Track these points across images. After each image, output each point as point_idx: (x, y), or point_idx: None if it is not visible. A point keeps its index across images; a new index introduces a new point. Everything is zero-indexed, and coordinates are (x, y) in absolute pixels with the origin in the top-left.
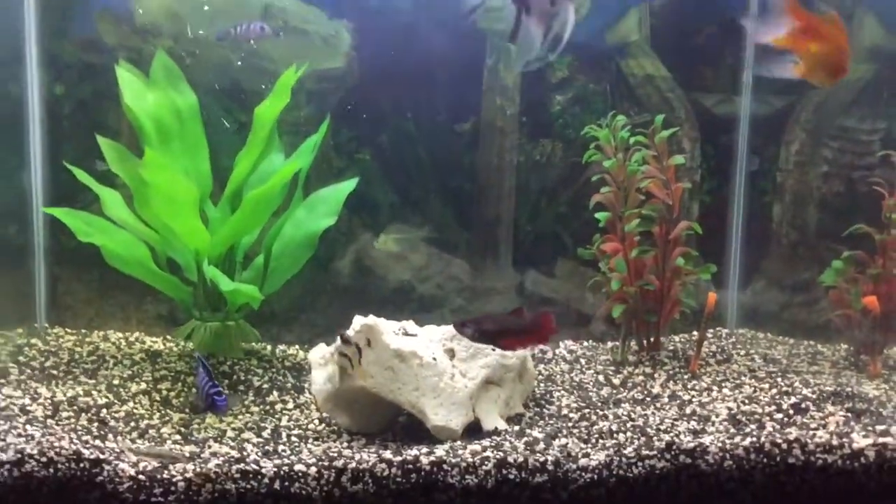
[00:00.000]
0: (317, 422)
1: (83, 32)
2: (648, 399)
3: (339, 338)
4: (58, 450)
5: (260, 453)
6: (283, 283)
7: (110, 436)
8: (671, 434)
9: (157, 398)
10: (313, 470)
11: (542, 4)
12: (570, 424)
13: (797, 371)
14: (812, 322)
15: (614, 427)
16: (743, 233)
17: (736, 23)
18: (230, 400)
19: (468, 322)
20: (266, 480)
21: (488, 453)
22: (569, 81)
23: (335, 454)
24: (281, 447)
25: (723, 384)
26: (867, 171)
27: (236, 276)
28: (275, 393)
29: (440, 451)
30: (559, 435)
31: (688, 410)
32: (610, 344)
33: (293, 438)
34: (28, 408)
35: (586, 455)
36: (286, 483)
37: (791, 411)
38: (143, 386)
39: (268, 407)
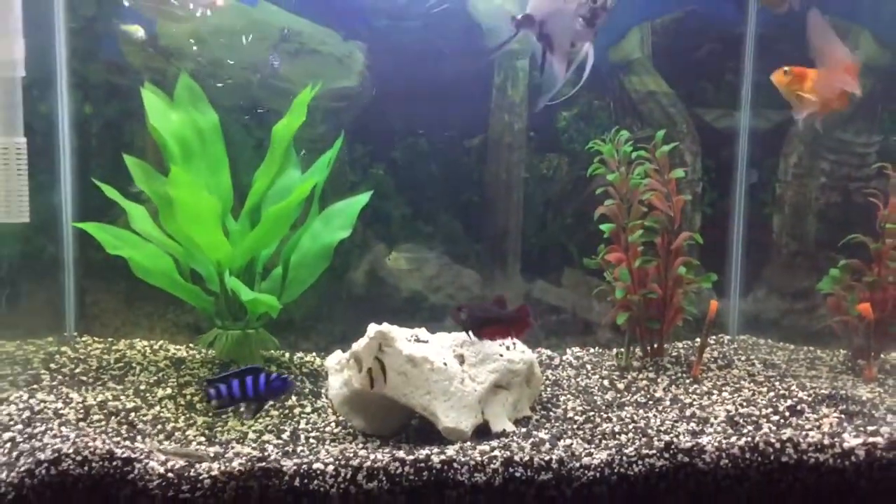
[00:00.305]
0: (333, 424)
1: (110, 55)
2: (651, 402)
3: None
4: (92, 449)
5: (280, 454)
6: (300, 293)
7: (139, 437)
8: (671, 435)
9: (182, 402)
10: (331, 468)
11: (563, 45)
12: (574, 426)
13: (795, 375)
14: (811, 328)
15: (617, 428)
16: (744, 243)
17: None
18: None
19: (463, 307)
20: (286, 478)
21: (496, 453)
22: (574, 98)
23: (351, 454)
24: (300, 448)
25: (723, 388)
26: (863, 182)
27: (256, 287)
28: (293, 398)
29: (451, 451)
30: (564, 436)
31: (688, 413)
32: (615, 350)
33: (311, 440)
34: (61, 411)
35: (589, 454)
36: (305, 480)
37: (787, 413)
38: (169, 391)
39: (287, 411)
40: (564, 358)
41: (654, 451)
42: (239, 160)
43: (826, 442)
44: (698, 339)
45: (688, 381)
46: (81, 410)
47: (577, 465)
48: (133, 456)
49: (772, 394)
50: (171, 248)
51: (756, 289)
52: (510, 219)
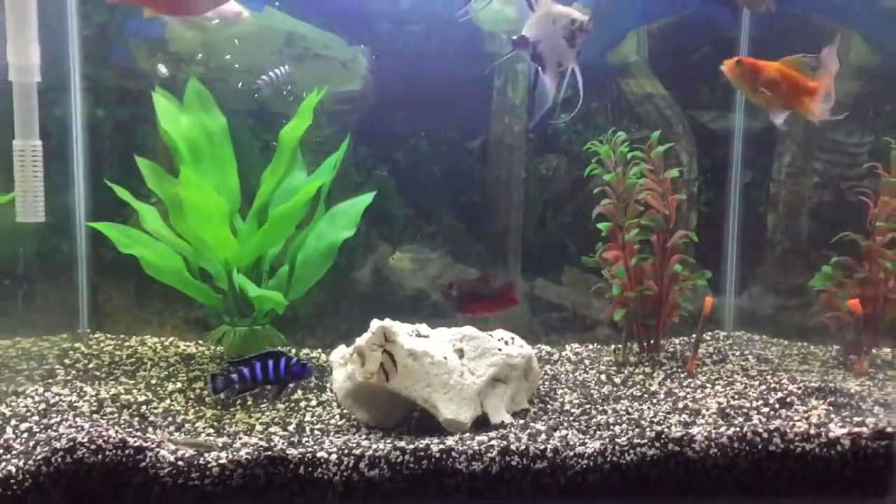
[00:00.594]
0: (338, 417)
1: (121, 60)
2: (646, 396)
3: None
4: (105, 438)
5: (286, 444)
6: (306, 291)
7: (150, 429)
8: (663, 426)
9: (192, 396)
10: (334, 457)
11: (552, 65)
12: (571, 418)
13: (787, 370)
14: (805, 324)
15: (611, 420)
16: (739, 241)
17: None
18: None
19: (454, 283)
20: (291, 466)
21: (493, 442)
22: (572, 99)
23: (354, 444)
24: (305, 439)
25: (716, 382)
26: (855, 181)
27: (263, 285)
28: (299, 391)
29: (450, 441)
30: (560, 427)
31: (681, 405)
32: (613, 346)
33: (316, 432)
34: (75, 404)
35: (583, 444)
36: (310, 468)
37: (777, 405)
38: (179, 385)
39: (293, 404)
40: (563, 354)
41: (646, 441)
42: (246, 162)
43: (812, 432)
44: (694, 335)
45: (683, 375)
46: (95, 403)
47: (571, 454)
48: (145, 445)
49: (763, 387)
50: (181, 247)
51: (751, 286)
52: (511, 218)
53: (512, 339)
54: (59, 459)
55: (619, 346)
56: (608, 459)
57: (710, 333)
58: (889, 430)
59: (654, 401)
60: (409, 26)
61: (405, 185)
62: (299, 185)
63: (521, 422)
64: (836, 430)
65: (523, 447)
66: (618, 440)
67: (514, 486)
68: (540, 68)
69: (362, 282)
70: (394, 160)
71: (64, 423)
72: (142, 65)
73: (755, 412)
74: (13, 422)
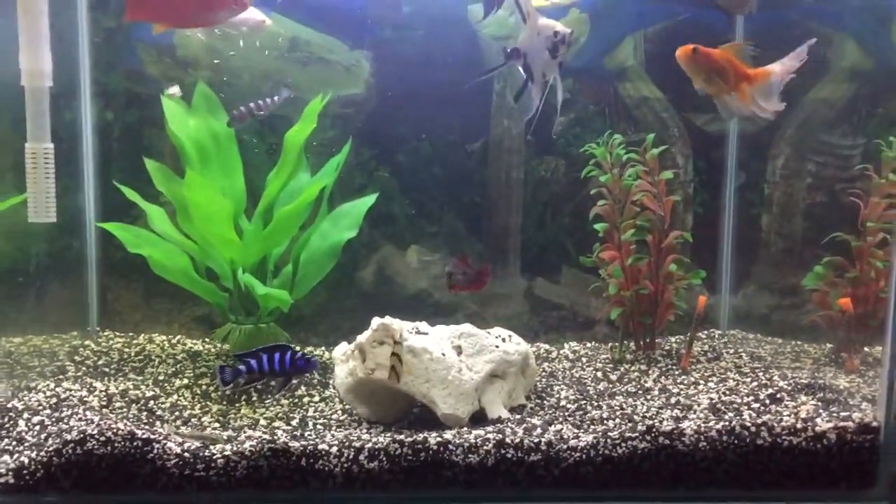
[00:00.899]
0: (340, 412)
1: (130, 65)
2: (640, 392)
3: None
4: (115, 430)
5: (289, 438)
6: (309, 290)
7: (158, 423)
8: (654, 420)
9: (198, 392)
10: (335, 449)
11: (538, 76)
12: (566, 413)
13: (779, 367)
14: (798, 323)
15: (605, 415)
16: (734, 241)
17: None
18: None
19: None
20: (294, 458)
21: (490, 436)
22: (570, 103)
23: (355, 438)
24: (307, 433)
25: (709, 379)
26: (848, 183)
27: (268, 284)
28: (302, 388)
29: (448, 434)
30: (555, 422)
31: (673, 401)
32: (610, 344)
33: (318, 426)
34: (85, 399)
35: (577, 437)
36: (311, 460)
37: (767, 401)
38: (186, 381)
39: (296, 400)
40: (562, 352)
41: (637, 434)
42: (252, 164)
43: (799, 426)
44: (689, 333)
45: (677, 372)
46: (104, 398)
47: (565, 447)
48: (152, 437)
49: (755, 383)
50: (188, 247)
51: (746, 285)
52: (510, 219)
53: (509, 336)
54: (70, 451)
55: (616, 344)
56: (600, 452)
57: (705, 332)
58: (874, 424)
59: (648, 397)
60: (410, 32)
61: (407, 186)
62: (303, 186)
63: (518, 417)
64: (823, 424)
65: (518, 440)
66: (610, 434)
67: (509, 478)
68: (530, 79)
69: (365, 281)
70: (396, 162)
71: (74, 416)
72: (150, 69)
73: (745, 408)
74: (25, 415)
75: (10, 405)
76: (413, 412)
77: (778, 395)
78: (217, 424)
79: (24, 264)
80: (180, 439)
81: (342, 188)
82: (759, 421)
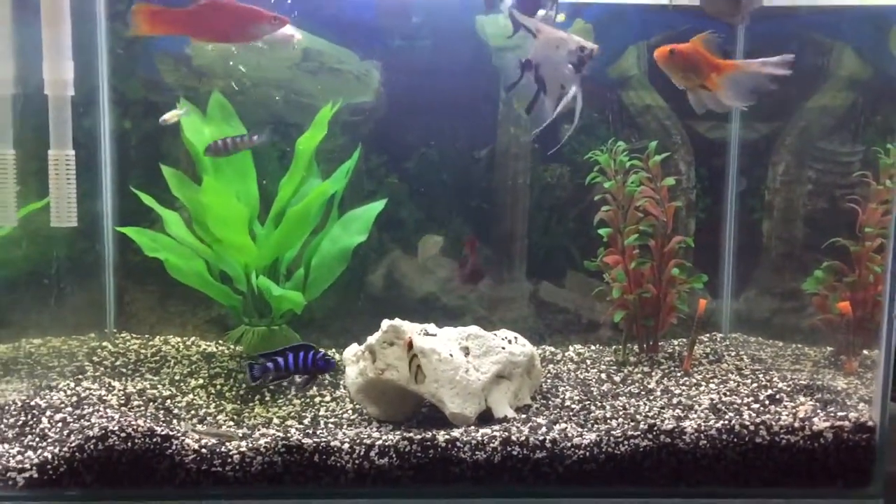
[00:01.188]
0: (350, 412)
1: (147, 74)
2: (643, 393)
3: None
4: (135, 427)
5: (301, 435)
6: (320, 293)
7: (174, 421)
8: (657, 419)
9: (213, 391)
10: (346, 446)
11: (554, 88)
12: (571, 413)
13: (779, 369)
14: (799, 326)
15: (608, 415)
16: (735, 246)
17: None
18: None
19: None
20: (307, 454)
21: (496, 434)
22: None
23: (366, 436)
24: (319, 431)
25: (711, 380)
26: (847, 189)
27: (281, 286)
28: (314, 388)
29: (455, 432)
30: (560, 421)
31: (675, 401)
32: (614, 347)
33: (330, 425)
34: (105, 397)
35: (580, 435)
36: (324, 456)
37: (766, 401)
38: (201, 381)
39: (308, 400)
40: (567, 354)
41: (639, 433)
42: (265, 170)
43: (797, 425)
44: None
45: (679, 374)
46: (123, 397)
47: (569, 444)
48: (171, 434)
49: (755, 385)
50: (202, 251)
51: (747, 289)
52: (516, 224)
53: (515, 338)
54: (92, 447)
55: (620, 346)
56: (603, 450)
57: (707, 335)
58: (870, 424)
59: (651, 397)
60: (419, 42)
61: (415, 192)
62: (314, 191)
63: (524, 416)
64: (820, 423)
65: (524, 438)
66: (613, 433)
67: (514, 474)
68: (542, 91)
69: (374, 284)
70: (405, 168)
71: (95, 413)
72: (166, 78)
73: (745, 408)
74: (48, 413)
75: (32, 403)
76: (422, 411)
77: (777, 396)
78: (232, 423)
79: (44, 267)
80: (197, 436)
81: (352, 194)
82: (758, 420)
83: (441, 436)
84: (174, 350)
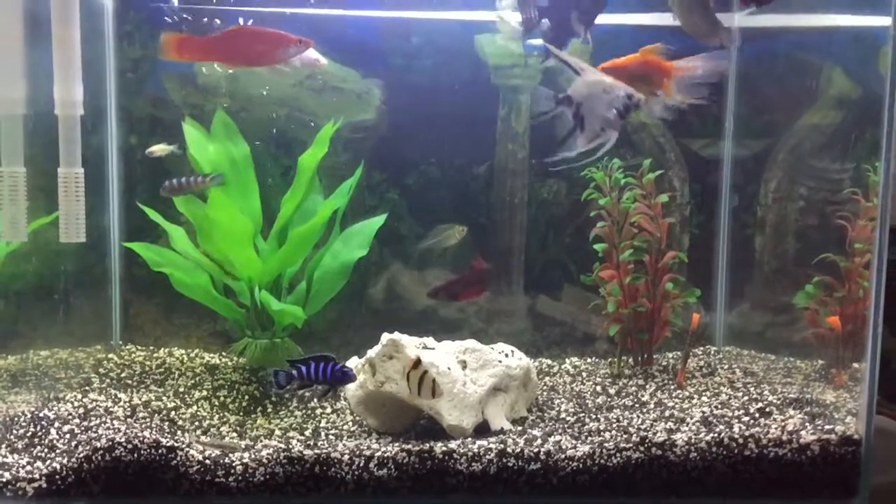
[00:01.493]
0: (350, 423)
1: (153, 91)
2: (637, 405)
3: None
4: (141, 438)
5: (303, 446)
6: (321, 306)
7: (179, 432)
8: (649, 432)
9: (216, 403)
10: (346, 457)
11: (594, 127)
12: (565, 425)
13: (770, 382)
14: (790, 340)
15: (602, 427)
16: (728, 261)
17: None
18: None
19: (434, 291)
20: (308, 465)
21: (492, 446)
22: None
23: (365, 447)
24: (320, 443)
25: (703, 393)
26: (838, 206)
27: (282, 300)
28: (315, 400)
29: (453, 444)
30: (555, 433)
31: (668, 414)
32: (609, 359)
33: (331, 436)
34: (111, 409)
35: (574, 447)
36: (324, 467)
37: (756, 414)
38: (204, 393)
39: (309, 411)
40: (563, 366)
41: (631, 445)
42: (268, 186)
43: (785, 438)
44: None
45: (673, 387)
46: (129, 408)
47: (563, 456)
48: (176, 445)
49: (746, 398)
50: (207, 265)
51: (740, 303)
52: (514, 239)
53: (512, 351)
54: (100, 457)
55: (615, 359)
56: (596, 462)
57: (701, 348)
58: (856, 437)
59: (644, 410)
60: (419, 61)
61: (415, 207)
62: (316, 207)
63: (520, 428)
64: (808, 436)
65: (519, 450)
66: (606, 445)
67: (510, 485)
68: (579, 127)
69: (375, 298)
70: (405, 184)
71: (102, 425)
72: (172, 96)
73: (736, 421)
74: (56, 424)
75: (41, 414)
76: (420, 423)
77: (767, 409)
78: (235, 434)
79: (53, 281)
80: (201, 447)
81: (353, 209)
82: (747, 433)
83: (438, 447)
84: (179, 362)
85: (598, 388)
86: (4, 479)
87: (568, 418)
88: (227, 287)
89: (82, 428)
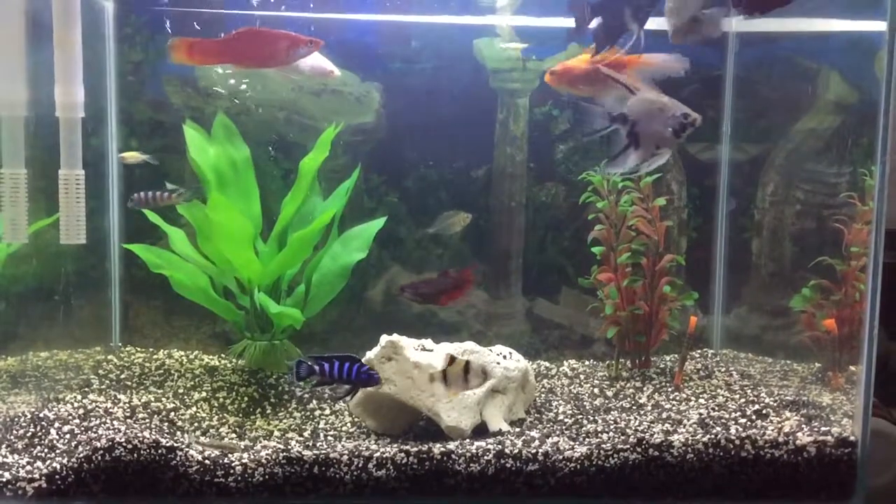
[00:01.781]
0: (349, 425)
1: (154, 95)
2: (634, 407)
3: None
4: (140, 439)
5: (302, 448)
6: (320, 308)
7: (179, 433)
8: (646, 433)
9: (216, 404)
10: (345, 458)
11: (648, 146)
12: (563, 427)
13: (767, 385)
14: (787, 342)
15: (600, 428)
16: (726, 264)
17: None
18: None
19: (406, 287)
20: (307, 466)
21: (490, 447)
22: (570, 133)
23: (364, 448)
24: (319, 444)
25: (700, 395)
26: (834, 209)
27: (281, 303)
28: (314, 401)
29: (451, 445)
30: (553, 434)
31: (665, 416)
32: (607, 362)
33: (329, 438)
34: (110, 410)
35: (571, 448)
36: (323, 468)
37: (753, 416)
38: (204, 394)
39: (308, 413)
40: (561, 369)
41: (628, 446)
42: (268, 189)
43: (781, 440)
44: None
45: (670, 389)
46: (128, 409)
47: (561, 457)
48: (175, 445)
49: (743, 400)
50: (207, 267)
51: (737, 306)
52: (513, 242)
53: (510, 353)
54: (100, 457)
55: (613, 361)
56: (594, 463)
57: (698, 351)
58: (852, 439)
59: (642, 412)
60: (418, 65)
61: (414, 210)
62: (316, 209)
63: (518, 429)
64: (804, 438)
65: (517, 451)
66: (603, 446)
67: (508, 486)
68: (633, 145)
69: (373, 300)
70: (404, 187)
71: (102, 425)
72: (173, 99)
73: (733, 422)
74: (56, 424)
75: (41, 415)
76: (419, 424)
77: (764, 411)
78: (234, 435)
79: (53, 283)
80: (201, 447)
81: (353, 212)
82: (743, 435)
83: (437, 448)
84: (178, 364)
85: (596, 391)
86: (4, 479)
87: (566, 420)
88: (227, 289)
89: (82, 428)
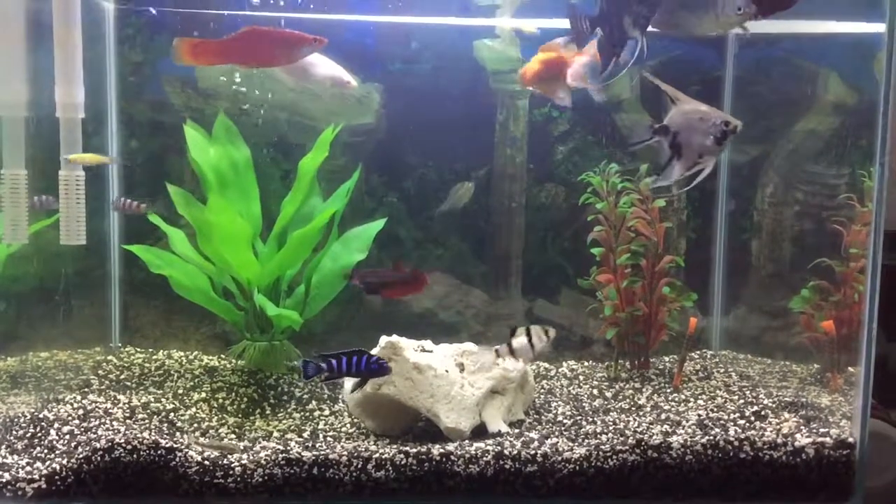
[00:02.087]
0: (348, 425)
1: (154, 95)
2: (634, 409)
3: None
4: (140, 440)
5: (301, 449)
6: (320, 309)
7: (178, 433)
8: (645, 435)
9: (215, 405)
10: (345, 459)
11: (691, 155)
12: (562, 428)
13: (766, 386)
14: (787, 344)
15: (599, 430)
16: (725, 265)
17: None
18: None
19: (356, 273)
20: (306, 467)
21: (489, 448)
22: (569, 134)
23: (363, 449)
24: (318, 445)
25: (699, 396)
26: (833, 211)
27: (281, 304)
28: (313, 402)
29: (450, 446)
30: (552, 436)
31: (664, 417)
32: (606, 363)
33: (328, 438)
34: (110, 410)
35: (570, 450)
36: (322, 469)
37: (752, 418)
38: (203, 395)
39: (307, 414)
40: (560, 370)
41: (627, 447)
42: (268, 189)
43: (780, 441)
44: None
45: (669, 390)
46: (128, 410)
47: (560, 458)
48: (175, 446)
49: (742, 401)
50: (206, 268)
51: (737, 307)
52: (513, 243)
53: None
54: (99, 458)
55: (612, 362)
56: (593, 464)
57: (698, 352)
58: (850, 440)
59: (641, 413)
60: (418, 65)
61: (414, 211)
62: (316, 210)
63: (517, 431)
64: (803, 439)
65: (516, 452)
66: (602, 447)
67: (507, 487)
68: (676, 156)
69: (373, 301)
70: (404, 188)
71: (102, 426)
72: (173, 100)
73: (731, 424)
74: (56, 425)
75: (41, 415)
76: (418, 425)
77: (762, 413)
78: (233, 436)
79: (53, 283)
80: (200, 448)
81: (353, 213)
82: (742, 436)
83: (436, 449)
84: (177, 364)
85: (595, 392)
86: (4, 480)
87: (565, 421)
88: (227, 290)
89: (82, 429)
